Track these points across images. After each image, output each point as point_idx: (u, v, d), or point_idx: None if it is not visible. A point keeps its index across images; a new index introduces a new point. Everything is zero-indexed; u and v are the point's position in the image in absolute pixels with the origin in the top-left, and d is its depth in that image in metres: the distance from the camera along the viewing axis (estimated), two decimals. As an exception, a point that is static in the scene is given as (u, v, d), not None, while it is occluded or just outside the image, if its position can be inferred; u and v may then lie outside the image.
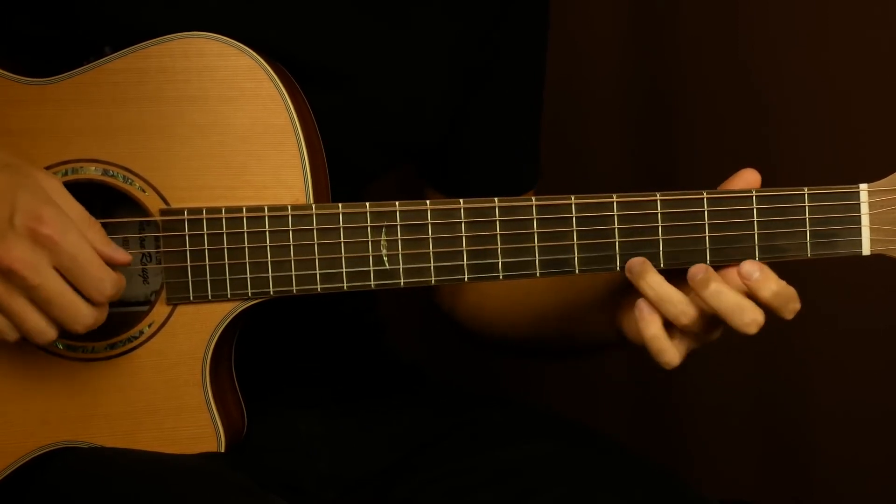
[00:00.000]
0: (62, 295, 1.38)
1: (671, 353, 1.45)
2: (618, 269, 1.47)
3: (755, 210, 1.46)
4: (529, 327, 1.69)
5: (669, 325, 1.46)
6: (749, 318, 1.44)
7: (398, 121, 1.62)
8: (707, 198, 1.47)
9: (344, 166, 1.54)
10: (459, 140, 1.70)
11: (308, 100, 1.51)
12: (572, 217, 1.47)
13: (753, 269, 1.45)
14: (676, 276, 1.45)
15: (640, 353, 1.46)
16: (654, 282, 1.45)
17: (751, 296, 1.44)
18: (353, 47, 1.58)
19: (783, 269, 1.47)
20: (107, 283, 1.39)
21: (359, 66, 1.58)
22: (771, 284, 1.44)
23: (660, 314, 1.44)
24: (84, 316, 1.39)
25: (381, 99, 1.60)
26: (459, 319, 1.77)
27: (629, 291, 1.49)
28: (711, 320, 1.46)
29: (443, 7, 1.62)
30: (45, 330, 1.40)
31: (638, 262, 1.45)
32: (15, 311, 1.39)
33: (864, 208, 1.47)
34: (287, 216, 1.47)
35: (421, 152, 1.70)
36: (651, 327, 1.45)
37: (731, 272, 1.45)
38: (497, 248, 1.47)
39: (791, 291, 1.45)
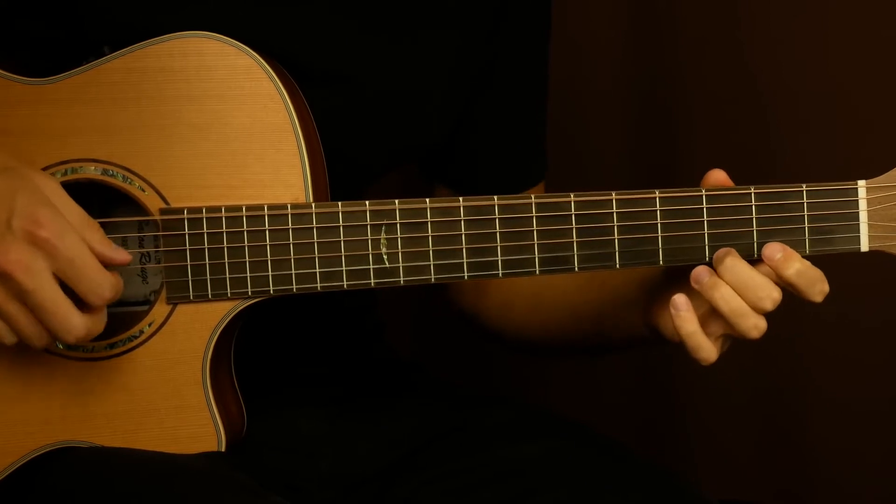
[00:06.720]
0: (53, 302, 1.37)
1: (707, 348, 1.47)
2: (617, 266, 1.47)
3: (753, 207, 1.47)
4: (561, 326, 1.69)
5: (704, 323, 1.47)
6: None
7: (400, 122, 1.62)
8: (706, 195, 1.47)
9: (344, 166, 1.54)
10: (466, 139, 1.70)
11: (309, 100, 1.51)
12: (571, 215, 1.47)
13: (776, 250, 1.46)
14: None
15: (641, 352, 1.46)
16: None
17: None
18: (354, 49, 1.58)
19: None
20: (104, 286, 1.39)
21: (360, 67, 1.58)
22: (795, 263, 1.46)
23: (694, 312, 1.46)
24: (74, 326, 1.38)
25: (383, 100, 1.60)
26: (484, 320, 1.76)
27: (664, 290, 1.51)
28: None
29: (445, 8, 1.62)
30: (37, 336, 1.39)
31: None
32: (10, 315, 1.38)
33: (863, 205, 1.47)
34: (287, 215, 1.47)
35: (424, 153, 1.70)
36: (688, 325, 1.46)
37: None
38: (497, 246, 1.47)
39: (818, 272, 1.47)
